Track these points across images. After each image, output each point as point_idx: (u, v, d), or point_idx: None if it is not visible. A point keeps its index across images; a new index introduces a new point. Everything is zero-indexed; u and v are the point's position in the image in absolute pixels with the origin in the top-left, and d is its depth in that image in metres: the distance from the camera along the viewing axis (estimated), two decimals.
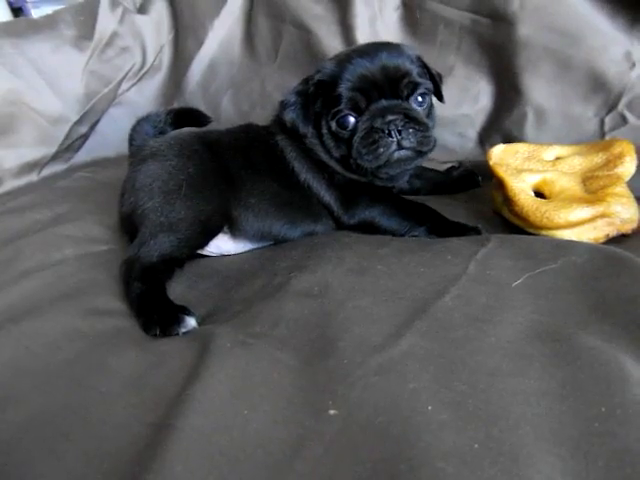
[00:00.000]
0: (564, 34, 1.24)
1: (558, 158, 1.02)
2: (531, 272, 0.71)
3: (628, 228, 0.84)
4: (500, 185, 0.96)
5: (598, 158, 0.94)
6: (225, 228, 0.98)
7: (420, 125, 0.92)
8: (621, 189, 0.87)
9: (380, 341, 0.61)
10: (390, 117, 0.90)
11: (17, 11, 3.34)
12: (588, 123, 1.25)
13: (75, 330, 0.73)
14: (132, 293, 0.81)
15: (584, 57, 1.23)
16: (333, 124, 0.96)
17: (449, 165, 1.31)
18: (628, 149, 0.92)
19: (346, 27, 1.54)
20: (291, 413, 0.53)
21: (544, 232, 0.87)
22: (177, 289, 0.87)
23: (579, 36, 1.23)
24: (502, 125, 1.37)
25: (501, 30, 1.32)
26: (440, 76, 1.06)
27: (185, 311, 0.76)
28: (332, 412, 0.52)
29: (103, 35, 1.77)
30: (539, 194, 0.94)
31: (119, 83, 1.81)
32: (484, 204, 1.07)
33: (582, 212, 0.83)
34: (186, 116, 1.21)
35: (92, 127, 1.78)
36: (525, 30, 1.28)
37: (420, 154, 0.96)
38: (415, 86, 0.94)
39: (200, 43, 1.80)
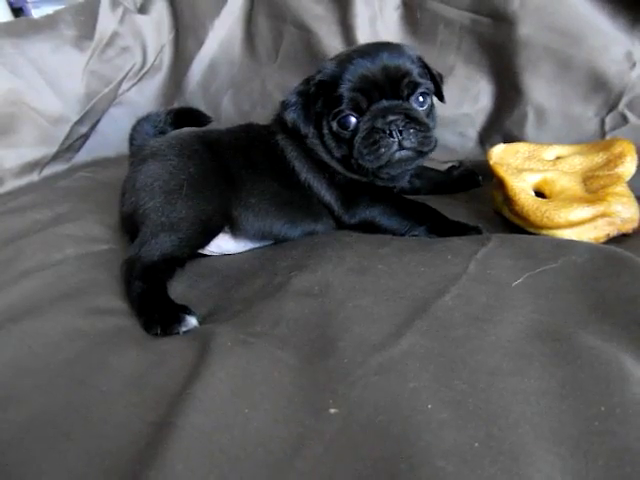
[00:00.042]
0: (564, 34, 1.24)
1: (558, 158, 1.02)
2: (531, 271, 0.71)
3: (629, 228, 0.84)
4: (500, 185, 0.96)
5: (599, 158, 0.94)
6: (226, 228, 0.98)
7: (421, 125, 0.92)
8: (622, 189, 0.87)
9: (380, 340, 0.61)
10: (391, 117, 0.90)
11: (17, 11, 3.34)
12: (589, 123, 1.25)
13: (76, 329, 0.73)
14: (133, 292, 0.81)
15: (585, 57, 1.23)
16: (334, 124, 0.96)
17: (450, 165, 1.31)
18: (629, 149, 0.92)
19: (346, 27, 1.54)
20: (291, 412, 0.53)
21: (544, 232, 0.87)
22: (178, 288, 0.87)
23: (580, 36, 1.23)
24: (502, 125, 1.36)
25: (501, 30, 1.32)
26: (441, 76, 1.06)
27: (186, 310, 0.76)
28: (332, 411, 0.52)
29: (103, 35, 1.77)
30: (539, 194, 0.95)
31: (119, 83, 1.81)
32: (484, 204, 1.07)
33: (582, 212, 0.83)
34: (186, 116, 1.21)
35: (92, 127, 1.78)
36: (525, 30, 1.28)
37: (421, 154, 0.96)
38: (416, 86, 0.94)
39: (200, 43, 1.80)
